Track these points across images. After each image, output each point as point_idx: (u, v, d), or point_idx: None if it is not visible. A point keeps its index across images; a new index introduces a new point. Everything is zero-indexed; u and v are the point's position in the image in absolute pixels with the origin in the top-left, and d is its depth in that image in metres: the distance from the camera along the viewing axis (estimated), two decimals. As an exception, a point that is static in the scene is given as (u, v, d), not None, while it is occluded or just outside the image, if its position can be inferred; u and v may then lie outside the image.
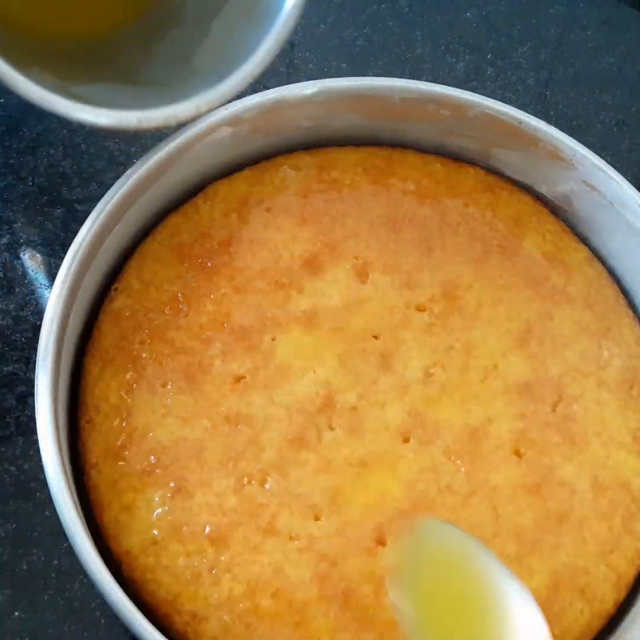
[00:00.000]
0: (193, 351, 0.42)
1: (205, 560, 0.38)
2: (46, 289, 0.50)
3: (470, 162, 0.48)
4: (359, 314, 0.43)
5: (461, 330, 0.43)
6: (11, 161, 0.54)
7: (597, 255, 0.47)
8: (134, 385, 0.41)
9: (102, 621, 0.44)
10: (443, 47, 0.61)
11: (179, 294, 0.43)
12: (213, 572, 0.38)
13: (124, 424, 0.41)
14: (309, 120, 0.47)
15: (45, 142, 0.54)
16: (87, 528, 0.37)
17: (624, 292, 0.47)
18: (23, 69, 0.35)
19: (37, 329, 0.40)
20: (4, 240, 0.51)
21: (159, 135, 0.55)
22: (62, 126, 0.55)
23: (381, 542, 0.39)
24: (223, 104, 0.40)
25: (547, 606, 0.39)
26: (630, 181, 0.44)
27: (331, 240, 0.45)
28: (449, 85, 0.46)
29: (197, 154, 0.45)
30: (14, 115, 0.55)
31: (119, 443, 0.40)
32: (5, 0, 0.39)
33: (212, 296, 0.43)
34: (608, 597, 0.40)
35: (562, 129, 0.45)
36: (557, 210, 0.48)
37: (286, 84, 0.45)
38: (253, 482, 0.40)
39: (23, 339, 0.49)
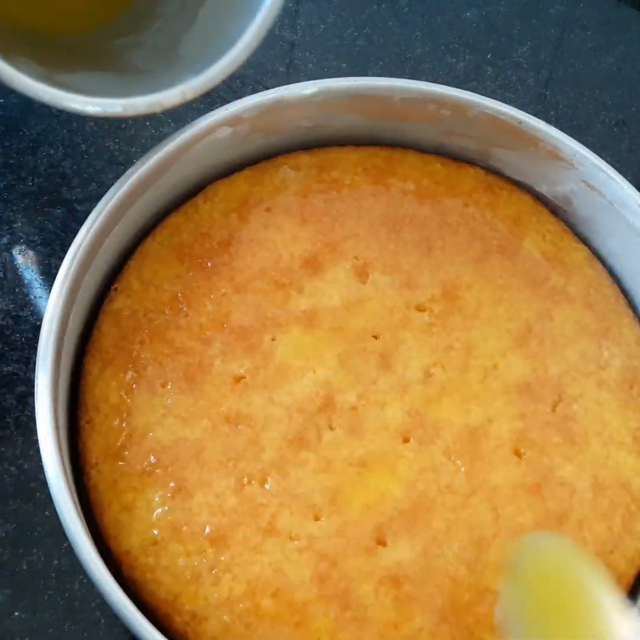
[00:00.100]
0: (193, 351, 0.42)
1: (205, 560, 0.38)
2: (46, 289, 0.50)
3: (470, 162, 0.48)
4: (359, 314, 0.43)
5: (461, 330, 0.43)
6: (11, 161, 0.54)
7: (597, 255, 0.47)
8: (134, 385, 0.41)
9: (102, 621, 0.44)
10: (443, 47, 0.61)
11: (179, 294, 0.43)
12: (213, 572, 0.38)
13: (123, 424, 0.41)
14: (308, 120, 0.47)
15: (45, 142, 0.54)
16: (87, 528, 0.37)
17: (624, 292, 0.47)
18: (9, 59, 0.35)
19: (37, 329, 0.40)
20: (4, 240, 0.51)
21: (158, 135, 0.55)
22: (62, 126, 0.55)
23: (381, 542, 0.39)
24: (208, 90, 0.40)
25: (547, 606, 0.39)
26: (630, 181, 0.44)
27: (331, 240, 0.45)
28: (449, 85, 0.46)
29: (197, 154, 0.45)
30: (14, 115, 0.55)
31: (119, 443, 0.40)
32: None
33: (212, 296, 0.43)
34: (608, 597, 0.40)
35: (562, 129, 0.45)
36: (557, 210, 0.48)
37: (286, 84, 0.45)
38: (253, 482, 0.40)
39: (23, 339, 0.49)
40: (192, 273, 0.44)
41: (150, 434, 0.40)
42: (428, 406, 0.42)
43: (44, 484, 0.37)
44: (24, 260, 0.51)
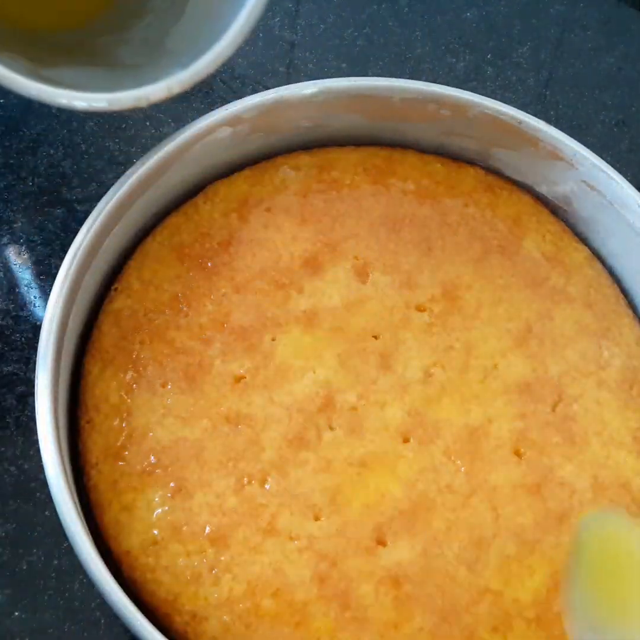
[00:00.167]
0: (193, 351, 0.42)
1: (205, 560, 0.38)
2: (46, 289, 0.50)
3: (470, 162, 0.48)
4: (359, 314, 0.43)
5: (461, 330, 0.43)
6: (11, 161, 0.54)
7: (597, 255, 0.47)
8: (134, 385, 0.41)
9: (102, 621, 0.44)
10: (443, 47, 0.61)
11: (179, 294, 0.43)
12: (213, 572, 0.38)
13: (124, 424, 0.41)
14: (308, 120, 0.47)
15: (45, 142, 0.54)
16: (87, 528, 0.37)
17: (624, 292, 0.47)
18: None
19: (37, 329, 0.40)
20: (4, 240, 0.51)
21: (158, 135, 0.55)
22: (62, 126, 0.55)
23: (381, 542, 0.39)
24: (195, 84, 0.40)
25: (547, 606, 0.39)
26: (630, 181, 0.44)
27: (331, 240, 0.45)
28: (449, 85, 0.46)
29: (197, 154, 0.45)
30: (14, 115, 0.55)
31: (119, 443, 0.40)
32: None
33: (212, 296, 0.43)
34: (608, 597, 0.40)
35: (562, 129, 0.45)
36: (557, 210, 0.48)
37: (286, 84, 0.45)
38: (253, 482, 0.40)
39: (23, 339, 0.49)
40: (192, 273, 0.44)
41: (150, 434, 0.40)
42: (428, 406, 0.42)
43: (44, 484, 0.37)
44: (24, 260, 0.51)
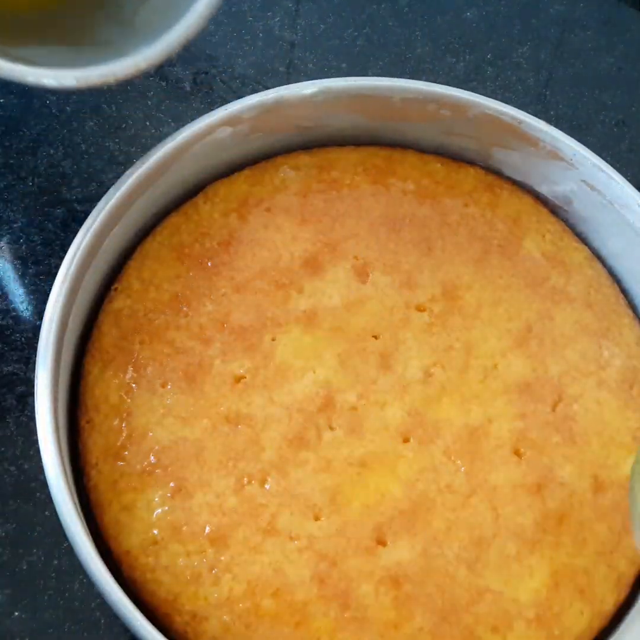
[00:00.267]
0: (193, 351, 0.42)
1: (205, 560, 0.38)
2: (46, 289, 0.50)
3: (470, 162, 0.48)
4: (359, 313, 0.43)
5: (461, 330, 0.43)
6: (11, 161, 0.54)
7: (597, 255, 0.47)
8: (134, 385, 0.41)
9: (102, 621, 0.44)
10: (443, 47, 0.61)
11: (179, 294, 0.43)
12: (213, 572, 0.38)
13: (123, 424, 0.41)
14: (309, 120, 0.47)
15: (45, 142, 0.54)
16: (87, 528, 0.37)
17: (624, 292, 0.47)
18: None
19: (37, 329, 0.40)
20: (4, 240, 0.51)
21: (158, 135, 0.55)
22: (62, 126, 0.55)
23: (381, 542, 0.39)
24: (163, 60, 0.40)
25: (547, 606, 0.39)
26: (630, 181, 0.44)
27: (331, 240, 0.45)
28: (449, 85, 0.46)
29: (197, 154, 0.45)
30: (14, 115, 0.55)
31: (118, 443, 0.40)
32: None
33: (212, 296, 0.43)
34: (608, 597, 0.40)
35: (562, 129, 0.45)
36: (557, 210, 0.48)
37: (286, 84, 0.45)
38: (253, 482, 0.40)
39: (23, 339, 0.49)
40: (192, 273, 0.44)
41: (150, 434, 0.40)
42: (428, 406, 0.42)
43: (44, 484, 0.37)
44: (24, 261, 0.51)
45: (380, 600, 0.38)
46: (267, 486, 0.39)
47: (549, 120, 0.46)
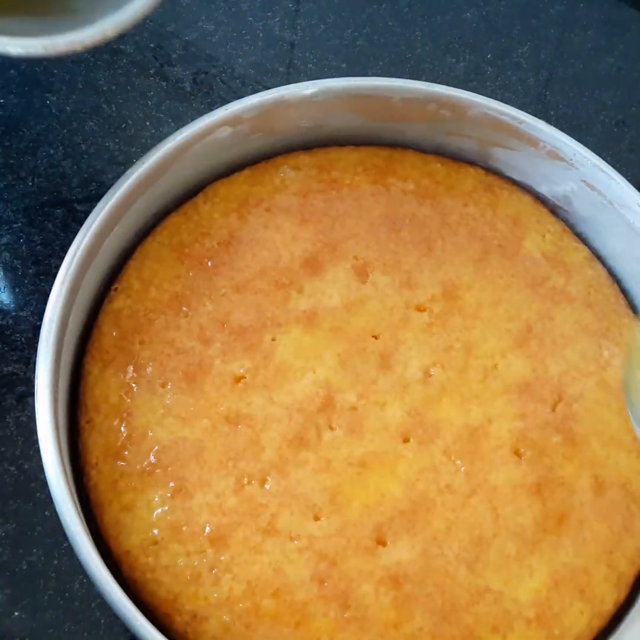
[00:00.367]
0: (193, 351, 0.42)
1: (205, 560, 0.38)
2: (46, 289, 0.50)
3: (470, 162, 0.48)
4: (359, 313, 0.43)
5: (461, 330, 0.43)
6: (11, 161, 0.54)
7: (597, 256, 0.47)
8: (134, 385, 0.41)
9: (102, 621, 0.44)
10: (443, 47, 0.61)
11: (179, 294, 0.43)
12: (213, 572, 0.38)
13: (123, 424, 0.41)
14: (309, 120, 0.47)
15: (45, 142, 0.54)
16: (87, 528, 0.37)
17: (624, 292, 0.47)
18: None
19: (37, 329, 0.40)
20: (4, 240, 0.51)
21: (158, 135, 0.55)
22: (62, 126, 0.55)
23: (381, 542, 0.39)
24: (130, 27, 0.40)
25: (547, 606, 0.39)
26: (630, 181, 0.44)
27: (331, 240, 0.45)
28: (449, 85, 0.46)
29: (197, 154, 0.45)
30: (14, 115, 0.55)
31: (119, 443, 0.40)
32: None
33: (212, 296, 0.43)
34: (608, 597, 0.40)
35: (562, 129, 0.45)
36: (557, 210, 0.48)
37: (286, 84, 0.45)
38: (253, 482, 0.40)
39: (23, 339, 0.49)
40: (192, 273, 0.44)
41: (150, 434, 0.40)
42: (428, 406, 0.42)
43: (44, 484, 0.37)
44: (24, 260, 0.51)
45: (380, 600, 0.38)
46: (267, 486, 0.39)
47: (549, 120, 0.46)
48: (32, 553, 0.44)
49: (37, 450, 0.37)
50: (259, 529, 0.39)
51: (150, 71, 0.57)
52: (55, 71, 0.57)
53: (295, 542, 0.39)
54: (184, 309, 0.43)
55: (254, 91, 0.44)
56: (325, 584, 0.38)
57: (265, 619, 0.38)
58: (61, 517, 0.36)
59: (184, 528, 0.39)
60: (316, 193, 0.46)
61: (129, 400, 0.41)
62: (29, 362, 0.48)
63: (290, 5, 0.61)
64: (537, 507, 0.40)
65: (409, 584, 0.38)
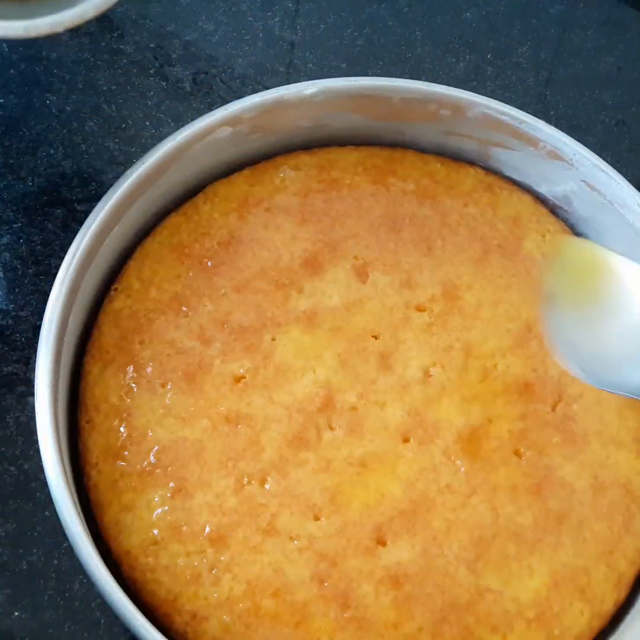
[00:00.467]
0: (193, 351, 0.42)
1: (205, 560, 0.38)
2: (46, 289, 0.50)
3: (470, 162, 0.48)
4: (359, 313, 0.43)
5: (461, 330, 0.43)
6: (11, 161, 0.54)
7: (597, 255, 0.47)
8: (134, 385, 0.41)
9: (102, 621, 0.44)
10: (443, 47, 0.61)
11: (179, 294, 0.43)
12: (213, 572, 0.38)
13: (123, 424, 0.41)
14: (309, 120, 0.47)
15: (45, 142, 0.54)
16: (87, 528, 0.37)
17: (624, 292, 0.47)
18: None
19: (37, 329, 0.40)
20: (4, 240, 0.51)
21: (158, 135, 0.55)
22: (62, 126, 0.55)
23: (381, 541, 0.39)
24: (107, 8, 0.40)
25: (547, 606, 0.39)
26: (630, 181, 0.44)
27: (331, 240, 0.45)
28: (449, 85, 0.46)
29: (197, 154, 0.45)
30: (14, 115, 0.55)
31: (119, 443, 0.40)
32: None
33: (212, 296, 0.43)
34: (608, 597, 0.40)
35: (562, 129, 0.45)
36: (557, 210, 0.48)
37: (286, 84, 0.45)
38: (253, 482, 0.40)
39: (23, 339, 0.49)
40: (192, 273, 0.44)
41: (150, 434, 0.40)
42: (428, 406, 0.42)
43: (44, 484, 0.37)
44: (24, 260, 0.51)
45: (380, 600, 0.38)
46: (267, 486, 0.39)
47: (549, 120, 0.46)
48: (32, 553, 0.44)
49: (37, 450, 0.37)
50: (259, 529, 0.39)
51: (150, 71, 0.57)
52: (55, 71, 0.57)
53: (295, 542, 0.39)
54: (184, 309, 0.43)
55: (254, 91, 0.44)
56: (325, 584, 0.38)
57: (265, 619, 0.38)
58: (61, 517, 0.36)
59: (184, 528, 0.39)
60: (316, 193, 0.46)
61: (129, 400, 0.41)
62: (29, 362, 0.48)
63: (290, 5, 0.61)
64: (537, 507, 0.40)
65: (409, 584, 0.38)
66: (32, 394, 0.38)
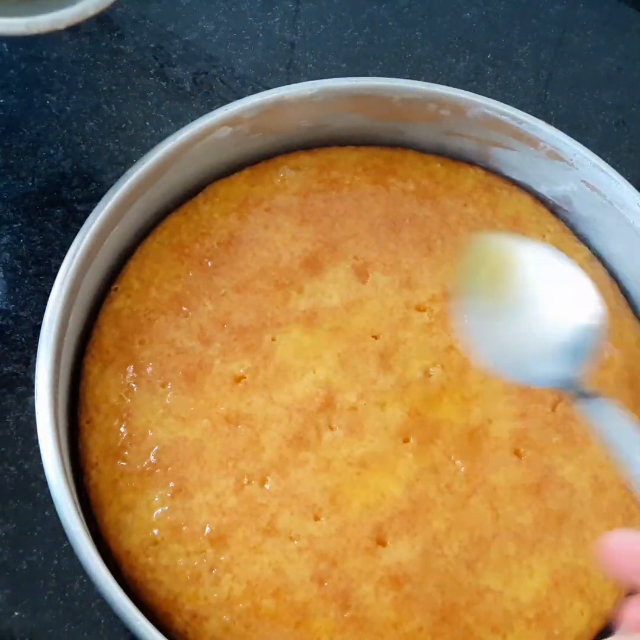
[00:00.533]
0: (193, 351, 0.42)
1: (205, 560, 0.38)
2: (46, 289, 0.50)
3: (470, 162, 0.48)
4: (359, 313, 0.43)
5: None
6: (11, 161, 0.54)
7: (598, 256, 0.47)
8: (134, 385, 0.41)
9: (102, 621, 0.44)
10: (443, 47, 0.61)
11: (179, 294, 0.43)
12: (213, 572, 0.38)
13: (124, 424, 0.41)
14: (309, 120, 0.47)
15: (45, 142, 0.54)
16: (87, 528, 0.37)
17: (624, 292, 0.47)
18: None
19: (37, 329, 0.40)
20: (4, 240, 0.51)
21: (158, 135, 0.55)
22: (62, 126, 0.55)
23: (381, 542, 0.39)
24: (108, 5, 0.41)
25: (547, 606, 0.39)
26: (630, 181, 0.44)
27: (331, 240, 0.45)
28: (449, 85, 0.46)
29: (197, 154, 0.45)
30: (14, 115, 0.55)
31: (119, 443, 0.40)
32: None
33: (212, 296, 0.43)
34: (608, 597, 0.40)
35: (562, 129, 0.45)
36: (557, 210, 0.48)
37: (286, 84, 0.45)
38: (253, 482, 0.40)
39: (23, 339, 0.49)
40: (192, 273, 0.44)
41: (150, 434, 0.40)
42: (428, 406, 0.42)
43: (44, 484, 0.37)
44: (24, 260, 0.51)
45: (380, 600, 0.38)
46: (267, 486, 0.39)
47: (549, 120, 0.46)
48: (32, 553, 0.44)
49: (37, 450, 0.37)
50: (259, 529, 0.39)
51: (150, 71, 0.57)
52: (55, 71, 0.57)
53: (295, 542, 0.39)
54: (184, 309, 0.43)
55: (254, 91, 0.44)
56: (325, 584, 0.38)
57: (265, 619, 0.38)
58: (61, 517, 0.36)
59: (184, 528, 0.39)
60: (316, 193, 0.46)
61: (129, 400, 0.41)
62: (29, 362, 0.48)
63: (290, 5, 0.61)
64: (537, 507, 0.40)
65: (409, 584, 0.38)
66: (32, 394, 0.38)
